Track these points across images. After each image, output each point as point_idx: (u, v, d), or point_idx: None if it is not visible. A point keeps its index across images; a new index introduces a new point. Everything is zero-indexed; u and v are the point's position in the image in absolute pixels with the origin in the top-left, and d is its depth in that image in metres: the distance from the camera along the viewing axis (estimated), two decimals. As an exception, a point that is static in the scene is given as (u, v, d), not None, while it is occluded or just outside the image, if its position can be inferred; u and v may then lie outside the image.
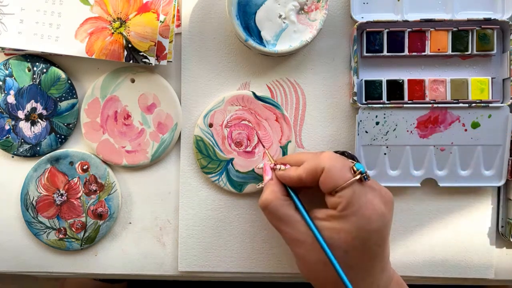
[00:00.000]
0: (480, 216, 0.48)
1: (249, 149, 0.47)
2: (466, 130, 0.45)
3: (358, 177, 0.37)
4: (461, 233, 0.48)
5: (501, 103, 0.46)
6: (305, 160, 0.40)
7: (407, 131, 0.45)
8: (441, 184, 0.46)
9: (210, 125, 0.47)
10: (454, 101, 0.45)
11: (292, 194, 0.41)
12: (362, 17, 0.45)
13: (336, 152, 0.42)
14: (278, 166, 0.42)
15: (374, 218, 0.37)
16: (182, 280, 0.50)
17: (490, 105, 0.45)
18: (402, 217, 0.48)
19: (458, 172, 0.46)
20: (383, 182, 0.46)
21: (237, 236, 0.48)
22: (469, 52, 0.45)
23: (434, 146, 0.46)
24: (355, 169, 0.38)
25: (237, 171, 0.47)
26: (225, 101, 0.47)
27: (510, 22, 0.44)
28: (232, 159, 0.47)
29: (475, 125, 0.45)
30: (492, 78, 0.45)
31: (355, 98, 0.45)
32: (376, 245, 0.38)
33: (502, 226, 0.47)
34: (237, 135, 0.47)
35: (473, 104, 0.45)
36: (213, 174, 0.47)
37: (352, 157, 0.43)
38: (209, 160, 0.47)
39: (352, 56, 0.45)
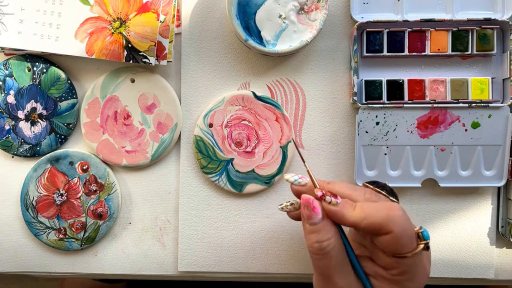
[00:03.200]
0: (480, 216, 0.48)
1: (249, 149, 0.47)
2: (466, 130, 0.45)
3: (422, 247, 0.34)
4: (461, 233, 0.48)
5: (501, 103, 0.46)
6: (358, 199, 0.35)
7: (407, 131, 0.45)
8: (441, 185, 0.46)
9: (210, 125, 0.47)
10: (454, 101, 0.45)
11: (346, 241, 0.35)
12: (362, 17, 0.45)
13: (373, 185, 0.37)
14: (328, 199, 0.35)
15: (424, 281, 0.35)
16: (182, 280, 0.50)
17: (490, 105, 0.45)
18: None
19: (459, 172, 0.46)
20: (384, 182, 0.46)
21: (237, 236, 0.48)
22: (469, 52, 0.45)
23: (434, 146, 0.46)
24: (421, 236, 0.34)
25: (237, 171, 0.47)
26: (225, 101, 0.47)
27: (510, 22, 0.44)
28: (232, 159, 0.47)
29: (475, 125, 0.45)
30: (492, 78, 0.45)
31: (355, 98, 0.45)
32: None
33: (502, 226, 0.47)
34: (237, 135, 0.47)
35: (473, 104, 0.45)
36: (213, 174, 0.47)
37: (390, 191, 0.38)
38: (209, 160, 0.47)
39: (352, 56, 0.45)
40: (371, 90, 0.45)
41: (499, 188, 0.47)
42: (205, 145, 0.47)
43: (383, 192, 0.37)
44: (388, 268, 0.34)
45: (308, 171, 0.37)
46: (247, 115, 0.47)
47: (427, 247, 0.34)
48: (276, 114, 0.47)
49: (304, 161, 0.38)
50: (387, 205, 0.34)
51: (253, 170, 0.47)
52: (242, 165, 0.47)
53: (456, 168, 0.46)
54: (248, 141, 0.47)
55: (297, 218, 0.39)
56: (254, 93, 0.47)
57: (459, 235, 0.48)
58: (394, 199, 0.37)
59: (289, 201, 0.39)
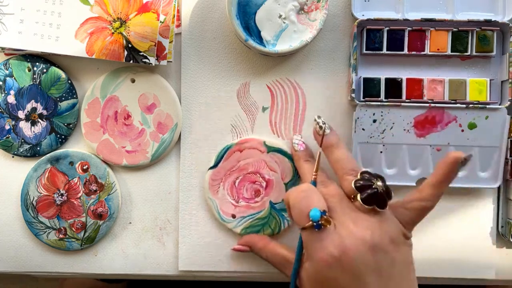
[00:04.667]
0: (480, 216, 0.48)
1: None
2: (463, 130, 0.45)
3: (308, 224, 0.36)
4: (461, 233, 0.48)
5: (499, 105, 0.46)
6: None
7: (404, 130, 0.46)
8: None
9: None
10: (452, 101, 0.45)
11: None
12: (363, 15, 0.45)
13: (362, 173, 0.39)
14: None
15: (323, 264, 0.36)
16: (182, 280, 0.50)
17: (487, 106, 0.45)
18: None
19: None
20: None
21: (237, 236, 0.48)
22: (469, 53, 0.45)
23: (430, 146, 0.46)
24: (309, 215, 0.36)
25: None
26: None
27: (511, 24, 0.44)
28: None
29: (472, 126, 0.45)
30: (490, 80, 0.46)
31: (353, 95, 0.45)
32: None
33: (502, 226, 0.48)
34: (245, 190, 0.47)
35: (471, 105, 0.45)
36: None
37: (372, 178, 0.39)
38: None
39: (352, 53, 0.45)
40: (369, 88, 0.45)
41: (499, 188, 0.47)
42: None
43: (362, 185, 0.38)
44: (303, 246, 0.38)
45: (319, 154, 0.41)
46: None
47: (315, 226, 0.36)
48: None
49: (320, 146, 0.42)
50: (302, 184, 0.39)
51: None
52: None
53: None
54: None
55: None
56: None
57: (459, 235, 0.48)
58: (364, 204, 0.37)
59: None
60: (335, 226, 0.37)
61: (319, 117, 0.43)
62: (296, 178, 0.47)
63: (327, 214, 0.36)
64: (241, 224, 0.47)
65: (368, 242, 0.35)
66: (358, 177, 0.38)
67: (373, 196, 0.37)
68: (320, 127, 0.42)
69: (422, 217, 0.39)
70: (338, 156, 0.41)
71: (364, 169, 0.39)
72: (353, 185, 0.38)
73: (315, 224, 0.36)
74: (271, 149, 0.47)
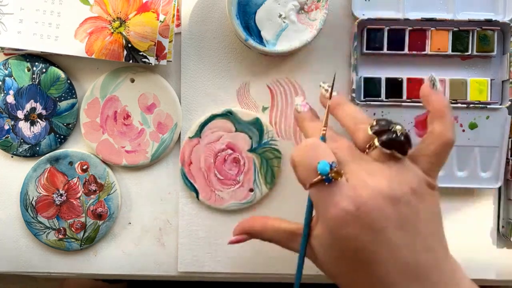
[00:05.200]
0: (481, 216, 0.48)
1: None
2: (463, 130, 0.45)
3: (317, 178, 0.32)
4: (461, 234, 0.48)
5: (500, 104, 0.46)
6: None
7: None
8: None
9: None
10: (453, 101, 0.45)
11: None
12: (363, 14, 0.45)
13: (377, 120, 0.35)
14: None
15: (339, 222, 0.32)
16: (182, 280, 0.50)
17: (488, 106, 0.45)
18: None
19: (455, 173, 0.46)
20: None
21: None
22: (469, 53, 0.45)
23: (431, 146, 0.46)
24: (316, 169, 0.32)
25: None
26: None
27: (511, 24, 0.44)
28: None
29: (472, 126, 0.45)
30: (491, 80, 0.45)
31: (354, 95, 0.45)
32: (361, 252, 0.32)
33: (502, 227, 0.47)
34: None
35: (471, 105, 0.45)
36: None
37: (389, 123, 0.35)
38: None
39: (352, 53, 0.45)
40: (370, 88, 0.45)
41: (499, 188, 0.47)
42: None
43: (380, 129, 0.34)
44: (314, 206, 0.34)
45: (327, 107, 0.38)
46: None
47: (325, 180, 0.32)
48: None
49: (329, 98, 0.39)
50: (306, 139, 0.36)
51: None
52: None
53: (452, 168, 0.46)
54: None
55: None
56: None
57: (459, 235, 0.48)
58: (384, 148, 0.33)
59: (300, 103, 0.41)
60: (347, 179, 0.33)
61: (324, 82, 0.40)
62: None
63: (337, 166, 0.32)
64: None
65: (386, 192, 0.31)
66: (374, 123, 0.34)
67: (393, 139, 0.33)
68: (326, 90, 0.39)
69: (447, 156, 0.35)
70: (349, 110, 0.37)
71: (379, 118, 0.36)
72: (369, 131, 0.34)
73: (324, 177, 0.32)
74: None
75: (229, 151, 0.47)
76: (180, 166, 0.47)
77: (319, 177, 0.32)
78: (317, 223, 0.34)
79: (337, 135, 0.36)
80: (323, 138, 0.36)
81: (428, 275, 0.32)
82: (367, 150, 0.34)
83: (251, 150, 0.47)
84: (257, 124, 0.46)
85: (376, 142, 0.33)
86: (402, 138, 0.33)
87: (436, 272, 0.33)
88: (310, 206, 0.36)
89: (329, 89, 0.39)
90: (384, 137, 0.33)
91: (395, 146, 0.33)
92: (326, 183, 0.32)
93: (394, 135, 0.33)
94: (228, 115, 0.47)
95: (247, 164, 0.47)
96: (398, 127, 0.33)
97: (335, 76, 0.39)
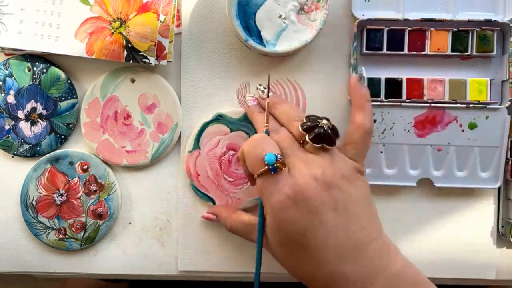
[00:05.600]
0: (481, 216, 0.48)
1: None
2: (463, 130, 0.45)
3: (264, 168, 0.36)
4: (461, 233, 0.48)
5: (499, 104, 0.46)
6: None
7: (404, 129, 0.45)
8: (437, 185, 0.46)
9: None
10: (452, 101, 0.45)
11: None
12: (363, 15, 0.45)
13: (307, 117, 0.40)
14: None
15: (280, 206, 0.36)
16: (182, 280, 0.50)
17: (488, 106, 0.45)
18: (399, 217, 0.48)
19: (455, 173, 0.46)
20: (379, 180, 0.46)
21: (237, 236, 0.48)
22: (469, 53, 0.45)
23: (431, 146, 0.46)
24: (265, 161, 0.36)
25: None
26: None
27: (511, 24, 0.44)
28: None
29: (472, 126, 0.45)
30: (491, 80, 0.45)
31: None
32: (301, 235, 0.36)
33: (502, 226, 0.47)
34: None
35: (471, 105, 0.45)
36: None
37: (317, 118, 0.39)
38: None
39: (352, 53, 0.45)
40: (370, 88, 0.45)
41: (499, 188, 0.47)
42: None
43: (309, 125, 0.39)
44: (259, 194, 0.38)
45: (267, 105, 0.42)
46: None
47: (271, 169, 0.36)
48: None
49: (267, 97, 0.44)
50: (255, 135, 0.40)
51: None
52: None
53: (452, 168, 0.46)
54: None
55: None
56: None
57: (459, 235, 0.48)
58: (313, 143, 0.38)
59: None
60: (288, 170, 0.37)
61: (260, 84, 0.45)
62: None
63: (281, 158, 0.37)
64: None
65: (320, 179, 0.36)
66: (304, 120, 0.39)
67: (320, 134, 0.38)
68: (262, 92, 0.44)
69: (368, 143, 0.41)
70: (283, 109, 0.42)
71: (308, 114, 0.40)
72: (300, 128, 0.38)
73: (271, 167, 0.36)
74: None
75: (231, 152, 0.47)
76: (189, 181, 0.47)
77: (266, 167, 0.36)
78: (266, 211, 0.38)
79: (279, 128, 0.41)
80: (267, 132, 0.40)
81: (363, 252, 0.36)
82: (302, 144, 0.39)
83: None
84: (248, 118, 0.46)
85: (307, 138, 0.38)
86: (329, 131, 0.38)
87: (370, 248, 0.36)
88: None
89: (265, 91, 0.44)
90: (313, 134, 0.38)
91: (323, 139, 0.38)
92: (272, 173, 0.36)
93: (322, 130, 0.38)
94: (219, 119, 0.47)
95: None
96: (324, 122, 0.38)
97: (269, 77, 0.45)
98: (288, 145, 0.39)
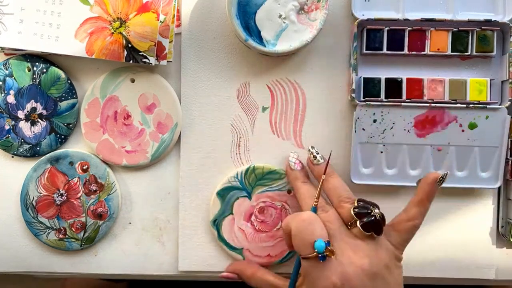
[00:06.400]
0: (480, 216, 0.48)
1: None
2: (463, 130, 0.45)
3: (313, 254, 0.37)
4: (461, 233, 0.48)
5: (499, 104, 0.46)
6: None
7: (405, 129, 0.46)
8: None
9: None
10: (452, 101, 0.45)
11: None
12: (363, 15, 0.45)
13: (358, 201, 0.40)
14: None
15: None
16: (182, 280, 0.50)
17: (488, 106, 0.45)
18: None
19: (455, 173, 0.46)
20: (379, 180, 0.46)
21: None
22: (469, 53, 0.45)
23: (431, 146, 0.46)
24: (313, 245, 0.37)
25: None
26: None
27: (511, 24, 0.44)
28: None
29: (472, 126, 0.45)
30: (490, 80, 0.46)
31: (353, 95, 0.45)
32: None
33: (502, 226, 0.48)
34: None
35: (471, 105, 0.45)
36: None
37: (368, 205, 0.40)
38: None
39: (352, 53, 0.45)
40: (370, 88, 0.45)
41: (499, 188, 0.47)
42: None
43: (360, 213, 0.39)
44: (301, 272, 0.39)
45: (321, 181, 0.42)
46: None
47: (320, 258, 0.37)
48: None
49: (324, 174, 0.43)
50: (303, 212, 0.40)
51: None
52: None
53: (452, 168, 0.46)
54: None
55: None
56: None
57: (459, 235, 0.48)
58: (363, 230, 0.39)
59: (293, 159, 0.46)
60: (335, 255, 0.38)
61: (312, 147, 0.45)
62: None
63: (331, 246, 0.38)
64: None
65: (367, 270, 0.37)
66: (356, 204, 0.40)
67: (371, 222, 0.39)
68: (314, 157, 0.44)
69: (412, 236, 0.41)
70: (333, 184, 0.42)
71: (359, 198, 0.41)
72: (352, 212, 0.39)
73: (320, 255, 0.37)
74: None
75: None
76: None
77: (315, 253, 0.37)
78: (304, 285, 0.39)
79: (327, 206, 0.41)
80: (315, 209, 0.41)
81: None
82: (349, 227, 0.40)
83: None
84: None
85: (358, 224, 0.38)
86: (380, 221, 0.39)
87: None
88: (297, 267, 0.41)
89: (317, 156, 0.44)
90: (364, 221, 0.39)
91: (373, 228, 0.39)
92: (321, 261, 0.37)
93: (373, 218, 0.39)
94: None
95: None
96: (376, 211, 0.39)
97: (331, 153, 0.44)
98: (336, 227, 0.39)
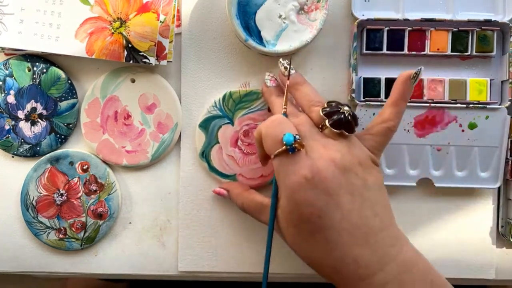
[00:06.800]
0: (480, 216, 0.48)
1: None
2: (463, 130, 0.45)
3: (282, 149, 0.36)
4: (461, 233, 0.48)
5: (499, 104, 0.46)
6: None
7: (404, 129, 0.46)
8: (436, 184, 0.46)
9: None
10: (452, 101, 0.45)
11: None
12: (363, 15, 0.45)
13: (328, 102, 0.40)
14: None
15: (297, 187, 0.36)
16: (182, 280, 0.50)
17: (488, 106, 0.45)
18: (399, 217, 0.47)
19: (454, 173, 0.46)
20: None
21: (237, 236, 0.48)
22: (469, 53, 0.45)
23: (430, 146, 0.46)
24: (283, 140, 0.36)
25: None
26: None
27: (511, 24, 0.44)
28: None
29: (472, 126, 0.45)
30: (490, 80, 0.46)
31: (353, 95, 0.45)
32: (316, 217, 0.36)
33: (502, 226, 0.48)
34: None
35: (471, 105, 0.45)
36: None
37: (338, 104, 0.39)
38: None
39: (352, 53, 0.46)
40: (370, 88, 0.45)
41: (499, 188, 0.47)
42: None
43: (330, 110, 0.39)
44: (275, 175, 0.38)
45: (286, 88, 0.42)
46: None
47: (290, 150, 0.36)
48: None
49: (288, 79, 0.42)
50: (273, 115, 0.39)
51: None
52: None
53: (451, 168, 0.46)
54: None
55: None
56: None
57: (459, 235, 0.48)
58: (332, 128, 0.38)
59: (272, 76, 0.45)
60: (306, 152, 0.37)
61: (283, 58, 0.43)
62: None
63: (299, 139, 0.37)
64: None
65: (338, 163, 0.36)
66: (325, 105, 0.39)
67: (341, 120, 0.38)
68: (285, 68, 0.42)
69: (388, 139, 0.40)
70: (304, 91, 0.42)
71: (329, 100, 0.40)
72: (321, 113, 0.38)
73: (289, 147, 0.36)
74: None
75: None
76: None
77: (284, 147, 0.36)
78: (280, 192, 0.38)
79: (298, 112, 0.41)
80: (285, 115, 0.40)
81: (376, 238, 0.36)
82: (321, 129, 0.39)
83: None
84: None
85: (327, 123, 0.38)
86: (350, 118, 0.38)
87: (382, 235, 0.37)
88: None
89: (288, 67, 0.42)
90: (333, 118, 0.38)
91: (343, 126, 0.38)
92: (290, 153, 0.36)
93: (342, 116, 0.38)
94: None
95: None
96: (346, 109, 0.38)
97: (291, 57, 0.43)
98: (307, 128, 0.39)
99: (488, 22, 0.44)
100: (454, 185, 0.46)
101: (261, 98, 0.47)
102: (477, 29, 0.45)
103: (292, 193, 0.36)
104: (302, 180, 0.36)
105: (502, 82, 0.46)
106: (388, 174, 0.46)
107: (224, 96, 0.47)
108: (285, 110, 0.41)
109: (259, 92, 0.47)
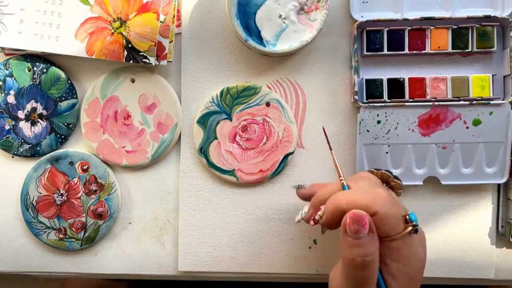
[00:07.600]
0: (480, 216, 0.48)
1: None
2: (467, 127, 0.45)
3: (410, 229, 0.34)
4: (461, 233, 0.48)
5: (502, 100, 0.46)
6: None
7: (409, 129, 0.45)
8: (443, 182, 0.46)
9: None
10: (455, 99, 0.45)
11: None
12: (362, 16, 0.45)
13: (374, 170, 0.39)
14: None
15: (419, 267, 0.35)
16: (182, 280, 0.50)
17: (491, 102, 0.45)
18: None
19: (461, 170, 0.46)
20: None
21: (237, 236, 0.48)
22: (470, 50, 0.45)
23: (435, 144, 0.46)
24: (408, 219, 0.34)
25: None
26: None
27: (510, 19, 0.44)
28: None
29: (476, 123, 0.45)
30: (492, 75, 0.45)
31: (356, 97, 0.45)
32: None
33: (502, 226, 0.47)
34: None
35: (474, 102, 0.45)
36: None
37: (388, 174, 0.40)
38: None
39: (353, 55, 0.45)
40: (372, 89, 0.45)
41: (499, 188, 0.47)
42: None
43: (387, 172, 0.39)
44: (382, 256, 0.34)
45: (334, 160, 0.40)
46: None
47: (415, 230, 0.34)
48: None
49: (331, 149, 0.41)
50: (372, 191, 0.35)
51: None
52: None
53: (458, 165, 0.46)
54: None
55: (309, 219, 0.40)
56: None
57: (459, 234, 0.48)
58: (398, 181, 0.39)
59: (305, 210, 0.41)
60: None
61: (293, 186, 0.43)
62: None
63: None
64: None
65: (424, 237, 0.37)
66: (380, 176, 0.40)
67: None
68: (299, 187, 0.43)
69: None
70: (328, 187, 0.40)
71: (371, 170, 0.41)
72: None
73: (416, 227, 0.34)
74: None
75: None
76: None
77: (410, 228, 0.34)
78: (399, 276, 0.35)
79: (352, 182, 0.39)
80: (346, 187, 0.38)
81: None
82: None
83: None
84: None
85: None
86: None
87: None
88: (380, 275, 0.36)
89: (301, 185, 0.42)
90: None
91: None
92: (415, 233, 0.35)
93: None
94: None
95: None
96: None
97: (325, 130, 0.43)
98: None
99: (487, 18, 0.44)
100: (460, 182, 0.46)
101: (259, 92, 0.47)
102: (477, 26, 0.45)
103: (419, 271, 0.35)
104: (422, 260, 0.35)
105: (504, 77, 0.46)
106: (394, 174, 0.46)
107: (221, 92, 0.47)
108: (343, 182, 0.38)
109: (257, 87, 0.47)
